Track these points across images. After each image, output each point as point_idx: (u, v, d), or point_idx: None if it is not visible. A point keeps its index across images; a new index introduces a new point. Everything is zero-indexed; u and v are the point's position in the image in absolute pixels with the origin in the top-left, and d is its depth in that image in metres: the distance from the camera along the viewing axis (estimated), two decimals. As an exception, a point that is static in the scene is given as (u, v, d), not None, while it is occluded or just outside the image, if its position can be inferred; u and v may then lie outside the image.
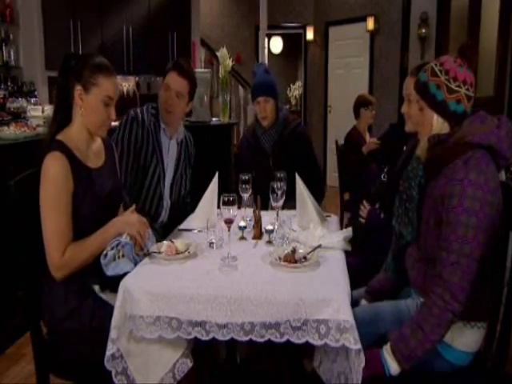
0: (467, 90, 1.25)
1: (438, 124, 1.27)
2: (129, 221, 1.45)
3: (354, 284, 1.33)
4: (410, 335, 1.18)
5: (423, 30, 4.97)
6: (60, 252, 1.35)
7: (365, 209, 1.85)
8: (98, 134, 1.51)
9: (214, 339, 1.24)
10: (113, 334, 1.26)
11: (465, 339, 1.25)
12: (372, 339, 1.28)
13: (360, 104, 3.55)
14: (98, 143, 1.55)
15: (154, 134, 1.93)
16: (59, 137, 1.42)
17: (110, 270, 1.36)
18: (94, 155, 1.52)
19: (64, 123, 1.46)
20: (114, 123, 1.58)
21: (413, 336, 1.17)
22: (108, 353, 1.26)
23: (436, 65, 1.27)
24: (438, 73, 1.25)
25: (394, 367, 1.19)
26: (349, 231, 1.61)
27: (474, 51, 1.30)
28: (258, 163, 2.30)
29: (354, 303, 1.27)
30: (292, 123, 2.33)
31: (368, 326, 1.29)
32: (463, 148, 1.19)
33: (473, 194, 1.14)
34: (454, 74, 1.24)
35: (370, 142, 3.32)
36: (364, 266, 1.76)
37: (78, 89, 1.42)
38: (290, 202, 1.78)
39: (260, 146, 2.33)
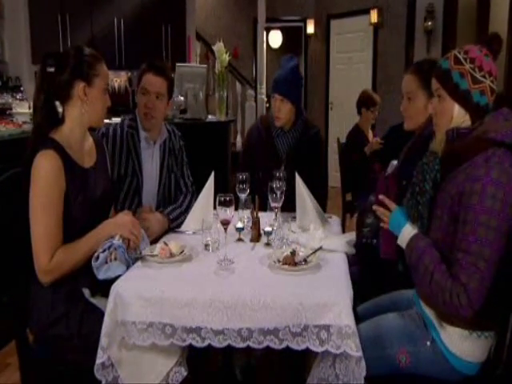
0: (492, 82, 1.23)
1: (459, 116, 1.26)
2: (121, 222, 1.45)
3: (357, 298, 1.32)
4: (422, 264, 1.21)
5: (429, 23, 4.98)
6: (48, 256, 1.35)
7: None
8: (98, 125, 1.56)
9: (209, 346, 1.24)
10: (103, 341, 1.26)
11: (471, 349, 1.25)
12: (378, 362, 1.29)
13: (362, 103, 3.56)
14: (89, 142, 1.56)
15: (131, 146, 1.92)
16: (52, 135, 1.43)
17: (102, 274, 1.36)
18: (87, 154, 1.52)
19: (52, 123, 1.46)
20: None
21: (423, 268, 1.21)
22: (98, 361, 1.26)
23: (460, 52, 1.25)
24: (463, 61, 1.23)
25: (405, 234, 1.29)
26: (352, 235, 1.61)
27: (500, 43, 1.27)
28: (268, 164, 2.20)
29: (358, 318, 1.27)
30: (312, 129, 2.28)
31: (372, 346, 1.29)
32: (485, 144, 1.18)
33: (494, 193, 1.13)
34: (479, 63, 1.22)
35: (373, 141, 3.32)
36: (368, 277, 1.75)
37: (82, 85, 1.43)
38: (291, 205, 1.78)
39: (273, 147, 2.26)
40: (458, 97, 1.25)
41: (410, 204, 1.39)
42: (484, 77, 1.23)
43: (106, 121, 2.24)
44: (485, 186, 1.14)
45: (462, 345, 1.25)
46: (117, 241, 1.40)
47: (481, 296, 1.14)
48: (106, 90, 1.50)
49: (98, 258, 1.37)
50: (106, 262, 1.36)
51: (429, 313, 1.30)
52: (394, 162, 2.47)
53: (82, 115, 1.46)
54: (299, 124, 2.25)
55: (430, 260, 1.21)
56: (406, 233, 1.29)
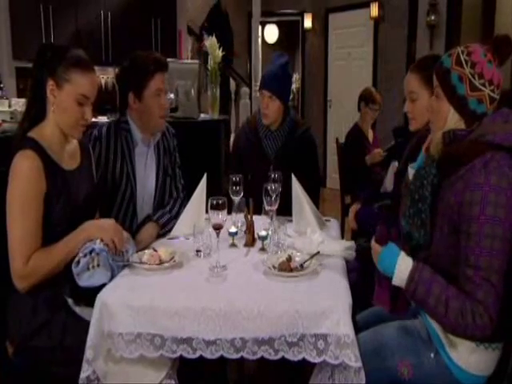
0: (492, 91, 1.22)
1: (452, 120, 1.26)
2: (103, 226, 1.45)
3: (357, 305, 1.32)
4: (432, 296, 1.17)
5: (432, 17, 5.02)
6: (24, 259, 1.35)
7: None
8: (70, 134, 1.51)
9: (201, 357, 1.24)
10: (88, 353, 1.25)
11: (478, 362, 1.25)
12: (379, 374, 1.29)
13: (362, 98, 3.57)
14: (73, 143, 1.56)
15: (125, 150, 1.89)
16: (31, 134, 1.43)
17: (84, 281, 1.35)
18: (69, 156, 1.52)
19: (37, 119, 1.46)
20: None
21: (434, 300, 1.17)
22: (82, 375, 1.25)
23: (463, 52, 1.24)
24: (464, 63, 1.22)
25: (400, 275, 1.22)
26: (351, 243, 1.62)
27: (510, 46, 1.24)
28: (257, 165, 2.26)
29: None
30: (300, 128, 2.30)
31: (372, 357, 1.30)
32: (482, 148, 1.18)
33: (495, 199, 1.13)
34: (480, 69, 1.21)
35: (376, 153, 3.34)
36: (369, 283, 1.76)
37: (50, 84, 1.42)
38: (288, 209, 1.79)
39: (261, 148, 2.29)
40: (453, 100, 1.25)
41: (411, 212, 1.39)
42: (483, 85, 1.22)
43: (93, 119, 2.23)
44: (485, 194, 1.14)
45: (469, 357, 1.25)
46: (98, 245, 1.39)
47: (497, 310, 1.14)
48: (79, 101, 1.43)
49: (78, 262, 1.36)
50: (88, 269, 1.36)
51: (433, 323, 1.30)
52: (395, 164, 2.49)
53: (55, 116, 1.45)
54: (287, 123, 2.26)
55: (441, 289, 1.18)
56: (404, 267, 1.23)
